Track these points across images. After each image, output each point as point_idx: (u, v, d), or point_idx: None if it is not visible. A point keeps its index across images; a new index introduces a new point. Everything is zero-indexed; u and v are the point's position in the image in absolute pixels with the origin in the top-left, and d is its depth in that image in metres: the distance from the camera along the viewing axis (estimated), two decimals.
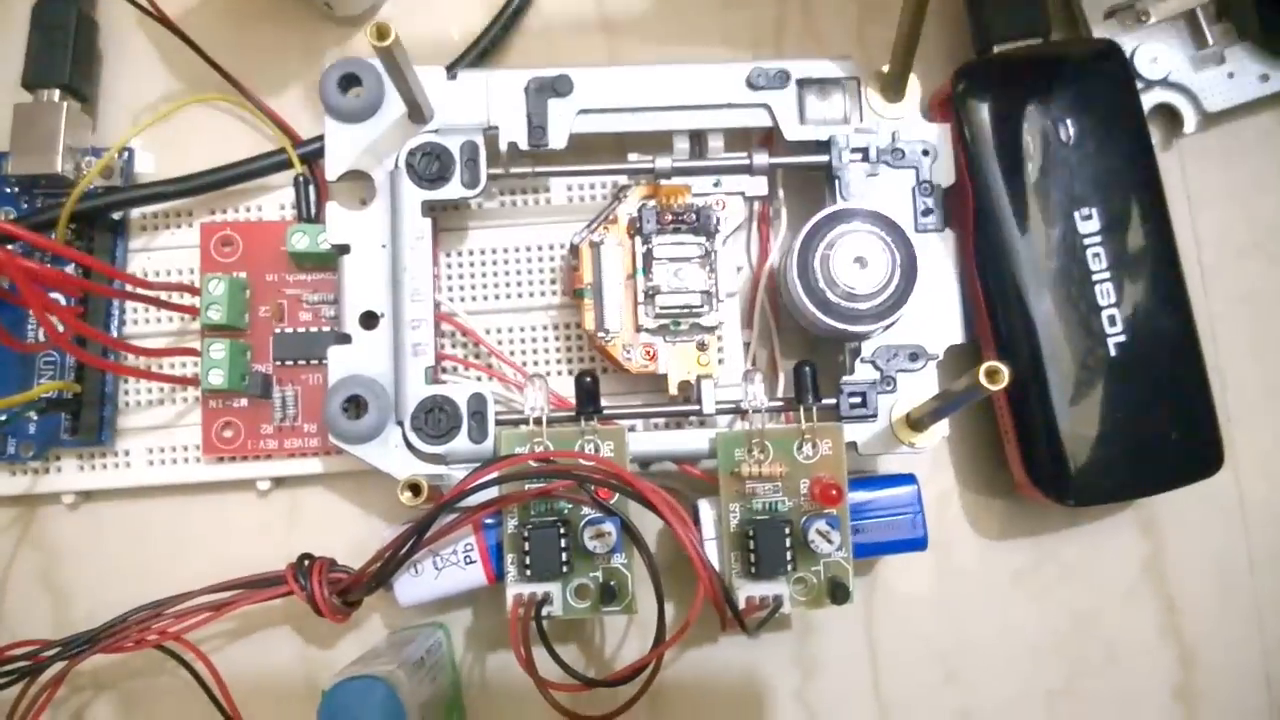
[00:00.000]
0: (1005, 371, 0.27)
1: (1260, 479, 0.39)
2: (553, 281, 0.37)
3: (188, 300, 0.36)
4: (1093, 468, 0.35)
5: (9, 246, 0.30)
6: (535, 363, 0.37)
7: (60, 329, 0.31)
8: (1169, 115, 0.39)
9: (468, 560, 0.34)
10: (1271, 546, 0.38)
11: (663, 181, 0.35)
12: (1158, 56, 0.38)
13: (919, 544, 0.34)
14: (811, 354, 0.36)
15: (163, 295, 0.34)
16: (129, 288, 0.35)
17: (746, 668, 0.38)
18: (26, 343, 0.36)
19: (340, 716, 0.29)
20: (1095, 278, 0.35)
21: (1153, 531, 0.39)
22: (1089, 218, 0.35)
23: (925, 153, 0.35)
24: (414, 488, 0.31)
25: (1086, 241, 0.35)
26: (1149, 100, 0.39)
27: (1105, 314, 0.35)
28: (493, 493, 0.32)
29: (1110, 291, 0.35)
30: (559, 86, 0.35)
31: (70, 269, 0.36)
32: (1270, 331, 0.40)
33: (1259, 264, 0.40)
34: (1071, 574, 0.39)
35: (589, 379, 0.33)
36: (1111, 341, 0.35)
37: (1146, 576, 0.39)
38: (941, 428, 0.34)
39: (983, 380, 0.27)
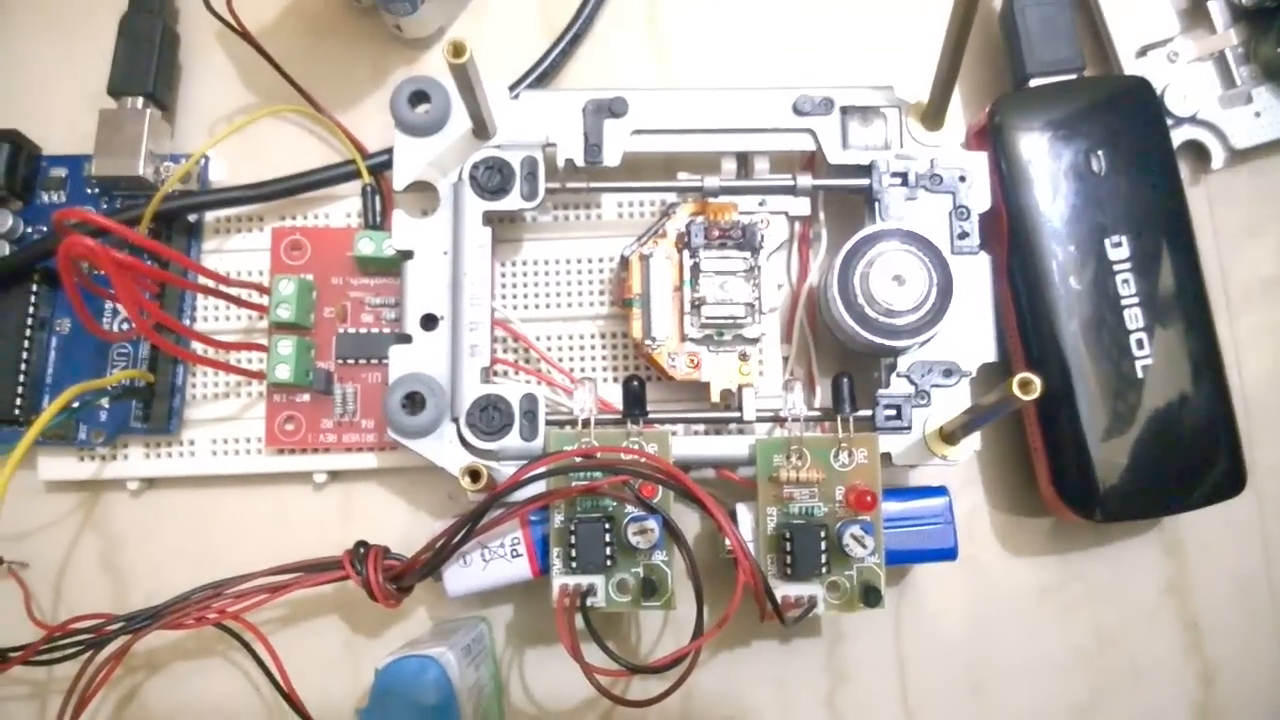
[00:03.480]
0: (1038, 383, 0.28)
1: None
2: (601, 292, 0.39)
3: (257, 300, 0.38)
4: (1119, 486, 0.36)
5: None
6: (582, 369, 0.39)
7: (145, 318, 0.32)
8: (1197, 151, 0.41)
9: (514, 554, 0.35)
10: None
11: (710, 200, 0.37)
12: (1187, 94, 0.40)
13: (950, 554, 0.36)
14: (847, 370, 0.37)
15: (236, 293, 0.36)
16: (205, 283, 0.36)
17: (777, 672, 0.39)
18: (111, 331, 0.38)
19: (394, 693, 0.31)
20: (1124, 303, 0.36)
21: (1176, 552, 0.40)
22: (1119, 245, 0.37)
23: (962, 179, 0.37)
24: (474, 474, 0.32)
25: (1116, 268, 0.37)
26: (1178, 136, 0.40)
27: (1134, 337, 0.36)
28: (540, 490, 0.34)
29: (1139, 316, 0.36)
30: (615, 108, 0.37)
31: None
32: None
33: None
34: (1096, 592, 0.40)
35: (636, 383, 0.35)
36: (1139, 364, 0.36)
37: (1170, 596, 0.40)
38: (973, 441, 0.36)
39: (1016, 391, 0.28)
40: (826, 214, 0.39)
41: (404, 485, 0.40)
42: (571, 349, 0.39)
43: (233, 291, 0.36)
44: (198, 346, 0.37)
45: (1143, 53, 0.41)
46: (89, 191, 0.40)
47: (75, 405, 0.36)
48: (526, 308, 0.39)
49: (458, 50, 0.31)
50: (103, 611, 0.36)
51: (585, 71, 0.42)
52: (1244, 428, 0.37)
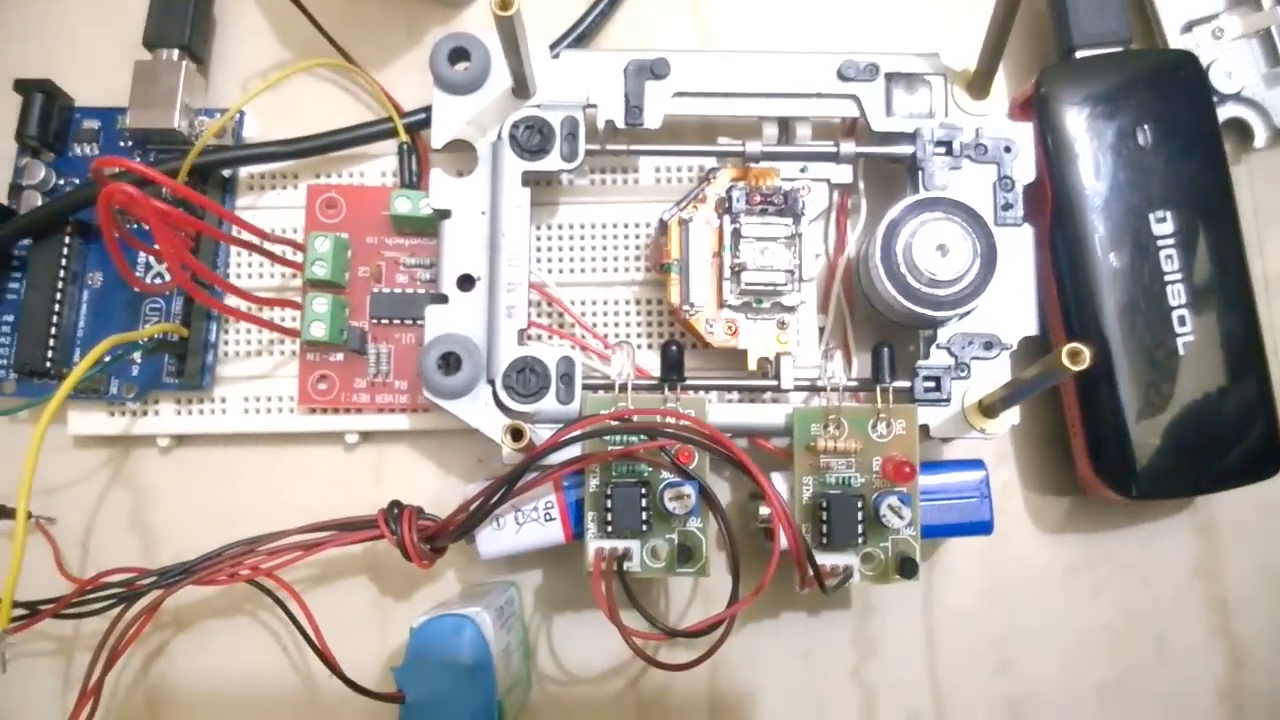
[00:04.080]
0: (1087, 353, 0.28)
1: None
2: (637, 258, 0.39)
3: (291, 256, 0.37)
4: (1156, 463, 0.36)
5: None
6: (618, 335, 0.38)
7: (185, 271, 0.32)
8: (1240, 130, 0.41)
9: (548, 518, 0.35)
10: None
11: (751, 165, 0.37)
12: (1232, 72, 0.40)
13: (986, 528, 0.35)
14: (884, 341, 0.37)
15: (272, 248, 0.36)
16: (244, 235, 0.36)
17: (805, 644, 0.39)
18: (149, 284, 0.38)
19: (430, 650, 0.31)
20: (1167, 278, 0.36)
21: (1207, 533, 0.40)
22: (1163, 220, 0.36)
23: (1007, 150, 0.36)
24: (516, 432, 0.32)
25: (1160, 243, 0.36)
26: (1222, 114, 0.40)
27: (1176, 314, 0.36)
28: (576, 453, 0.34)
29: (1181, 293, 0.36)
30: (657, 69, 0.37)
31: None
32: None
33: None
34: (1126, 571, 0.40)
35: (675, 347, 0.35)
36: (1180, 341, 0.36)
37: (1199, 577, 0.39)
38: (1012, 415, 0.35)
39: (1065, 361, 0.28)
40: (867, 183, 0.38)
41: (435, 448, 0.39)
42: (606, 314, 0.39)
43: (270, 247, 0.36)
44: (233, 301, 0.37)
45: (1188, 28, 0.40)
46: (122, 144, 0.39)
47: (107, 359, 0.36)
48: (562, 272, 0.39)
49: (505, 3, 0.30)
50: (134, 566, 0.36)
51: (624, 34, 0.42)
52: None
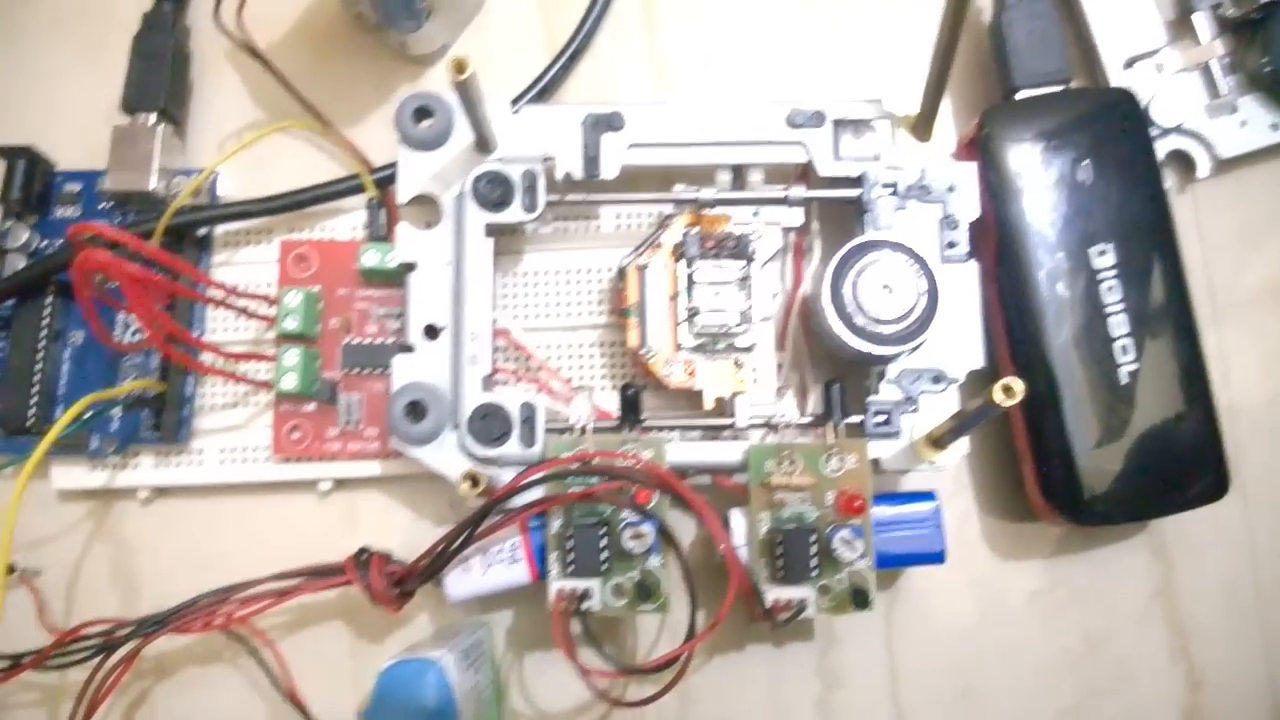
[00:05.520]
0: (1019, 387, 0.29)
1: (1268, 510, 0.40)
2: (600, 302, 0.40)
3: (265, 311, 0.39)
4: (1104, 489, 0.37)
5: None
6: (581, 378, 0.40)
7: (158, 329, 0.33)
8: (1184, 161, 0.42)
9: (514, 559, 0.36)
10: (1277, 574, 0.40)
11: (705, 211, 0.38)
12: (1173, 105, 0.41)
13: (938, 558, 0.36)
14: (839, 377, 0.38)
15: (244, 304, 0.37)
16: (215, 295, 0.37)
17: (770, 676, 0.40)
18: (122, 343, 0.39)
19: (394, 695, 0.31)
20: (1109, 310, 0.37)
21: (1164, 556, 0.40)
22: (1104, 254, 0.37)
23: (951, 189, 0.37)
24: (473, 479, 0.33)
25: (1101, 276, 0.37)
26: (1165, 146, 0.41)
27: (1119, 344, 0.37)
28: (539, 495, 0.35)
29: (1123, 323, 0.37)
30: (612, 122, 0.38)
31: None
32: None
33: (1270, 303, 0.42)
34: (1084, 596, 0.40)
35: (632, 390, 0.36)
36: (1123, 370, 0.37)
37: (1157, 600, 0.40)
38: (961, 446, 0.36)
39: (998, 395, 0.29)
40: (821, 223, 0.40)
41: (407, 493, 0.40)
42: (571, 358, 0.40)
43: (241, 303, 0.37)
44: (207, 357, 0.38)
45: (1130, 64, 0.41)
46: (101, 206, 0.41)
47: (88, 415, 0.37)
48: (527, 317, 0.40)
49: (460, 67, 0.32)
50: (113, 617, 0.37)
51: (585, 86, 0.43)
52: (1231, 433, 0.38)
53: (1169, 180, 0.41)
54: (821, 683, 0.40)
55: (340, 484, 0.40)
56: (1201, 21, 0.41)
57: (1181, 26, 0.42)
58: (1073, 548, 0.40)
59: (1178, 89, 0.41)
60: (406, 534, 0.40)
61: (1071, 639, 0.40)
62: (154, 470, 0.40)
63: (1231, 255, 0.42)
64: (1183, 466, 0.37)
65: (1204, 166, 0.42)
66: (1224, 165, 0.41)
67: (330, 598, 0.39)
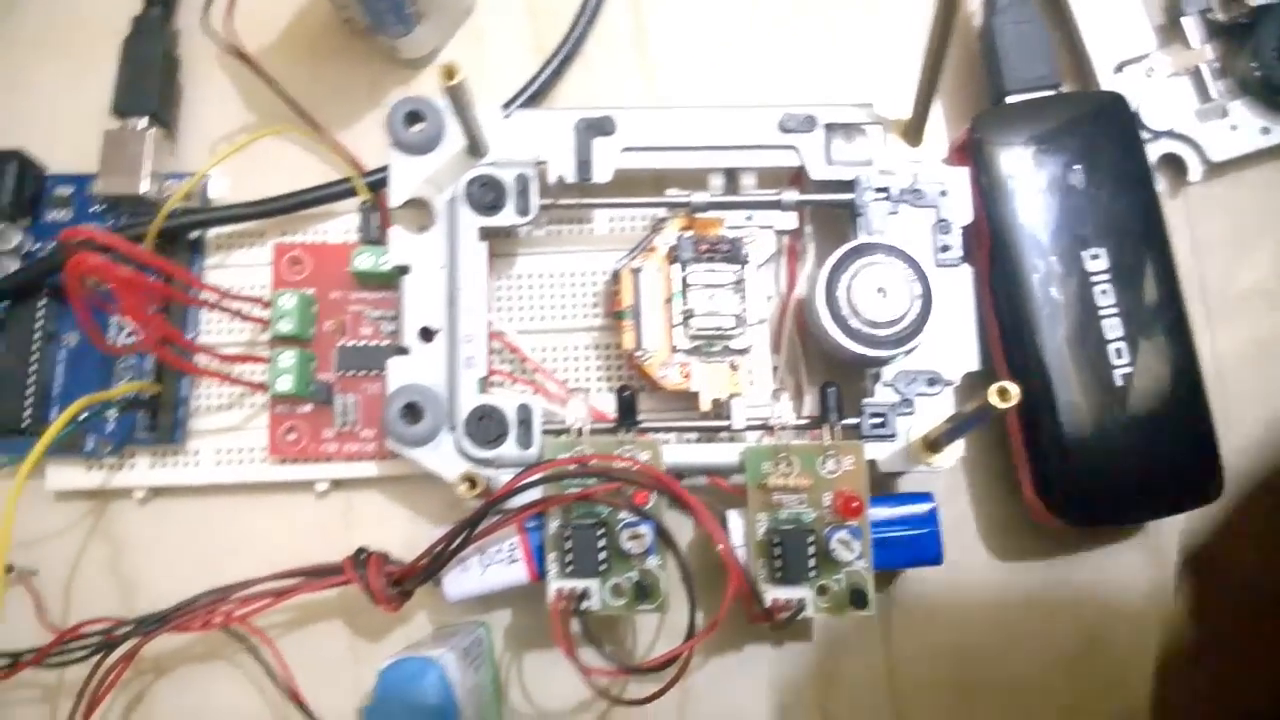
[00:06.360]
0: (1015, 390, 0.29)
1: None
2: (594, 305, 0.40)
3: (259, 313, 0.39)
4: (1099, 491, 0.37)
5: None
6: (576, 380, 0.40)
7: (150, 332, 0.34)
8: (1175, 165, 0.42)
9: (512, 559, 0.36)
10: None
11: (699, 215, 0.38)
12: (1164, 109, 0.41)
13: (934, 559, 0.37)
14: (835, 379, 0.39)
15: (238, 307, 0.37)
16: (208, 297, 0.37)
17: (770, 676, 0.40)
18: (116, 346, 0.39)
19: (394, 694, 0.32)
20: (1102, 313, 0.37)
21: (1161, 557, 0.41)
22: (1097, 257, 0.38)
23: (943, 193, 0.38)
24: (470, 480, 0.33)
25: (1094, 279, 0.38)
26: (1156, 150, 0.41)
27: (1112, 347, 0.37)
28: (536, 496, 0.35)
29: (1117, 326, 0.37)
30: (605, 126, 0.38)
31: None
32: (1274, 369, 0.42)
33: (1262, 305, 0.42)
34: (1081, 597, 0.41)
35: (628, 392, 0.36)
36: (1118, 372, 0.37)
37: (1154, 600, 0.40)
38: (958, 448, 0.37)
39: (994, 399, 0.29)
40: (815, 226, 0.40)
41: (404, 493, 0.41)
42: (566, 360, 0.40)
43: (235, 305, 0.37)
44: (201, 359, 0.38)
45: (1120, 68, 0.42)
46: (93, 210, 0.41)
47: (83, 417, 0.37)
48: (522, 320, 0.40)
49: (450, 73, 0.32)
50: (112, 616, 0.37)
51: (576, 91, 0.43)
52: (1225, 435, 0.38)
53: (1160, 184, 0.41)
54: (821, 682, 0.40)
55: (337, 484, 0.40)
56: (1191, 26, 0.42)
57: (1171, 31, 0.42)
58: (1069, 548, 0.41)
59: (1168, 93, 0.41)
60: (405, 533, 0.40)
61: (1068, 640, 0.40)
62: (150, 471, 0.40)
63: (1223, 258, 0.42)
64: (1175, 469, 0.37)
65: (1195, 170, 0.42)
66: (1215, 169, 0.42)
67: (329, 597, 0.39)
